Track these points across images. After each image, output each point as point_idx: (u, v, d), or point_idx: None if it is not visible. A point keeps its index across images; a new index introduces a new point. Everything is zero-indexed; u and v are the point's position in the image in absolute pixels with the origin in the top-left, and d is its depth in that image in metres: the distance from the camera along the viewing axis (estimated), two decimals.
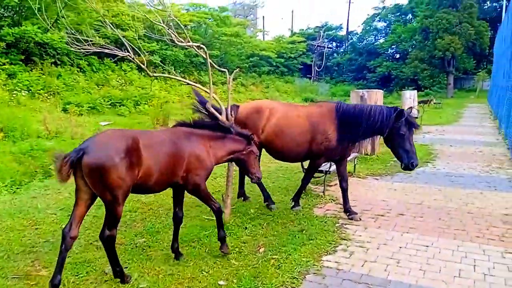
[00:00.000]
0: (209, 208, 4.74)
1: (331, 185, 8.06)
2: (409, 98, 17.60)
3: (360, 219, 6.14)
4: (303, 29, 57.83)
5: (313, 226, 5.80)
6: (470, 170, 9.52)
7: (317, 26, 56.15)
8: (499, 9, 42.43)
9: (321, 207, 6.74)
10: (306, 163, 7.24)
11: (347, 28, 56.89)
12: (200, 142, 4.52)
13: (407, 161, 5.71)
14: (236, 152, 4.82)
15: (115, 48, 5.17)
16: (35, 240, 5.25)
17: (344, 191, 6.33)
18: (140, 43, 7.67)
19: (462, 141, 13.76)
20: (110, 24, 5.42)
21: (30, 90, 15.36)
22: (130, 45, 4.95)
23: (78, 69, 19.45)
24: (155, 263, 4.60)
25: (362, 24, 56.52)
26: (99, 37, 16.91)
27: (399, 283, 4.25)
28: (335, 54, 57.64)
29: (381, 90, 11.49)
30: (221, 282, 4.19)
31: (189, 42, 5.24)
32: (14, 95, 14.22)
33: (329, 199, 7.16)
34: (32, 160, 8.74)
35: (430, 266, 4.62)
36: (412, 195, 7.51)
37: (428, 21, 40.14)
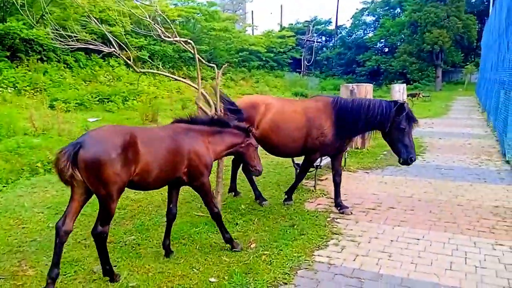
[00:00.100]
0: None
1: (322, 179, 8.05)
2: (399, 92, 17.54)
3: (351, 213, 6.13)
4: (292, 24, 57.68)
5: (305, 220, 5.78)
6: (460, 163, 9.58)
7: (306, 21, 56.02)
8: (486, 3, 42.72)
9: (312, 202, 6.71)
10: (298, 158, 7.20)
11: (336, 23, 57.01)
12: (199, 138, 4.50)
13: (406, 156, 5.68)
14: (235, 145, 4.81)
15: (101, 44, 5.08)
16: (21, 239, 5.16)
17: (337, 186, 6.31)
18: (128, 39, 7.55)
19: (451, 134, 13.84)
20: (95, 19, 5.31)
21: (16, 87, 15.13)
22: (116, 41, 4.86)
23: (65, 65, 19.19)
24: (145, 261, 4.54)
25: (351, 18, 56.55)
26: (86, 32, 16.66)
27: (390, 276, 4.24)
28: (324, 49, 57.66)
29: (370, 84, 11.50)
30: (212, 279, 4.14)
31: (176, 37, 5.16)
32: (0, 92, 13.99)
33: (320, 194, 7.14)
34: (19, 158, 8.58)
35: (421, 259, 4.62)
36: (403, 188, 7.52)
37: (417, 15, 40.33)
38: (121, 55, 4.93)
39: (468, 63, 43.07)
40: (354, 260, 4.62)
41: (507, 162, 9.38)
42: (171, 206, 4.67)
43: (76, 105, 15.66)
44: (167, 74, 5.69)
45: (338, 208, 6.23)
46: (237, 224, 5.66)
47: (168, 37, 5.30)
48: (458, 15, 38.94)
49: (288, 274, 4.27)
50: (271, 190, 7.42)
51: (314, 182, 7.54)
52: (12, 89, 14.82)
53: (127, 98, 18.18)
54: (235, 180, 7.08)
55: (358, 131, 6.07)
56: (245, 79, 34.98)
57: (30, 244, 5.01)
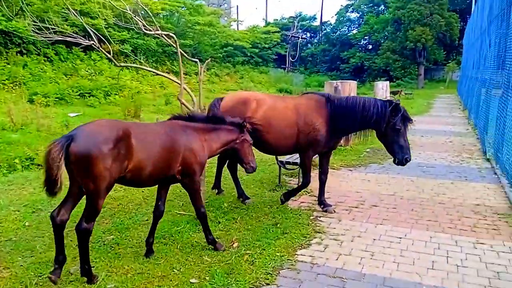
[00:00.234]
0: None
1: None
2: (382, 89, 17.73)
3: (334, 211, 6.10)
4: (277, 19, 57.59)
5: (288, 219, 5.73)
6: (441, 161, 9.66)
7: (291, 16, 56.05)
8: (468, 1, 43.15)
9: (295, 200, 6.66)
10: (282, 156, 7.14)
11: (321, 19, 57.07)
12: (195, 135, 4.44)
13: (401, 157, 5.62)
14: (230, 142, 4.77)
15: (80, 37, 4.93)
16: None
17: (322, 184, 6.26)
18: (110, 32, 7.38)
19: (433, 132, 13.97)
20: (73, 11, 5.14)
21: None
22: (95, 33, 4.71)
23: (45, 59, 18.78)
24: (124, 261, 4.42)
25: (335, 14, 56.71)
26: (67, 25, 16.32)
27: (373, 276, 4.22)
28: (309, 45, 57.74)
29: (354, 81, 11.52)
30: (193, 280, 4.06)
31: (157, 30, 5.03)
32: None
33: (304, 192, 7.08)
34: None
35: (403, 258, 4.61)
36: (385, 186, 7.54)
37: (400, 12, 40.70)
38: (100, 48, 4.78)
39: (450, 61, 43.57)
40: (337, 259, 4.60)
41: (488, 160, 9.50)
42: (159, 203, 4.60)
43: (56, 99, 15.36)
44: (149, 68, 5.56)
45: (322, 206, 6.19)
46: (219, 222, 5.58)
47: (150, 30, 5.17)
48: (441, 13, 39.42)
49: (271, 274, 4.21)
50: (255, 188, 7.35)
51: (297, 180, 7.50)
52: None
53: (109, 93, 17.89)
54: (220, 178, 6.98)
55: (352, 129, 5.97)
56: (230, 74, 34.80)
57: (5, 244, 4.84)
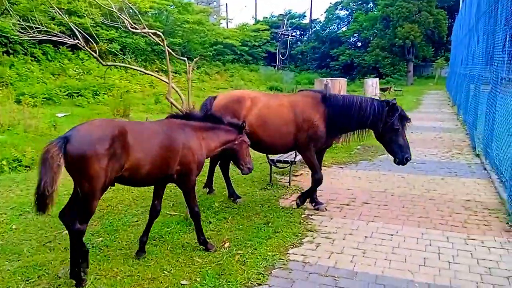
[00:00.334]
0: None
1: (297, 175, 7.99)
2: (372, 86, 17.78)
3: (326, 209, 6.08)
4: (267, 17, 57.54)
5: (279, 218, 5.69)
6: (431, 157, 9.70)
7: (280, 14, 55.93)
8: None
9: (287, 198, 6.63)
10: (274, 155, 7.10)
11: (310, 16, 57.21)
12: (193, 134, 4.40)
13: (401, 156, 5.62)
14: (228, 142, 4.72)
15: (65, 36, 4.83)
16: None
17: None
18: (98, 31, 7.27)
19: (423, 128, 14.02)
20: (58, 10, 5.05)
21: None
22: (81, 32, 4.62)
23: (32, 58, 18.56)
24: (113, 263, 4.35)
25: (325, 12, 56.88)
26: (54, 24, 16.09)
27: (365, 274, 4.20)
28: (299, 43, 57.78)
29: (344, 79, 11.55)
30: (183, 282, 4.00)
31: (144, 28, 4.96)
32: None
33: (295, 190, 7.07)
34: None
35: (395, 256, 4.60)
36: (376, 183, 7.54)
37: (389, 9, 40.90)
38: (85, 47, 4.70)
39: (438, 57, 43.92)
40: (329, 257, 4.57)
41: (477, 155, 9.55)
42: (156, 202, 4.55)
43: (44, 99, 15.19)
44: (136, 67, 5.49)
45: (313, 204, 6.16)
46: (210, 222, 5.52)
47: (136, 28, 5.09)
48: (429, 10, 39.68)
49: (263, 274, 4.17)
50: (245, 187, 7.30)
51: (289, 178, 7.47)
52: None
53: (98, 93, 17.74)
54: (212, 177, 6.91)
55: (349, 128, 5.91)
56: (220, 73, 34.68)
57: None
